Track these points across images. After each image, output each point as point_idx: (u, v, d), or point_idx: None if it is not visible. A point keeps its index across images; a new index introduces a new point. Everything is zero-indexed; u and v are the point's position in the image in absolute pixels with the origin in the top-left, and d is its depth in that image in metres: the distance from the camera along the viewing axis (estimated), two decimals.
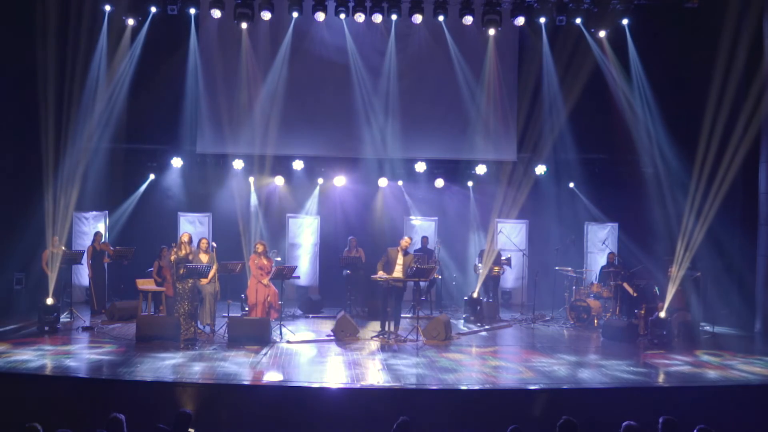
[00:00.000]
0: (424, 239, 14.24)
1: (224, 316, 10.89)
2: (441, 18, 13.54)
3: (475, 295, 12.84)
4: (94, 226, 14.28)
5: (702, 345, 10.89)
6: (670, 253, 12.90)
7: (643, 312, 11.58)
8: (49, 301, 10.90)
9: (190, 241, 10.53)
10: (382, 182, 14.94)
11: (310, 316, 13.08)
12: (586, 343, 11.13)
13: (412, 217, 15.43)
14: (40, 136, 11.77)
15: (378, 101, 14.44)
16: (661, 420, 5.93)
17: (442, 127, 14.59)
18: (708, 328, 11.93)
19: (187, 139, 14.45)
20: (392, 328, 10.90)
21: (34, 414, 6.41)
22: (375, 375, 8.62)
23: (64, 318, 11.51)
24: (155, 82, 14.03)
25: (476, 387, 8.27)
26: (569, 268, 13.16)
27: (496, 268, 13.38)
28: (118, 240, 14.03)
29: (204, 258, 10.76)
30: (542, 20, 13.60)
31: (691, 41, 13.62)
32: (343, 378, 8.42)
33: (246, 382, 8.14)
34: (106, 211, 14.54)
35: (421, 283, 11.61)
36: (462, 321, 12.68)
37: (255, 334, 10.21)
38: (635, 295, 12.28)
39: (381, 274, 10.82)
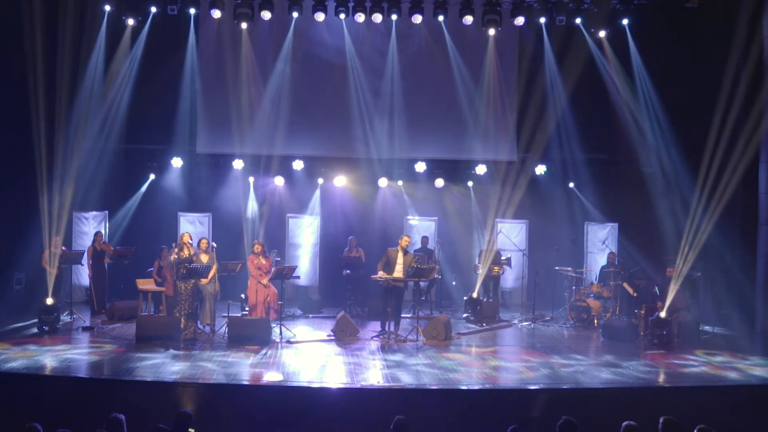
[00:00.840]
0: (424, 239, 14.24)
1: (224, 316, 10.90)
2: (441, 18, 13.53)
3: (474, 295, 12.84)
4: (95, 226, 14.29)
5: (702, 345, 10.89)
6: (669, 254, 12.93)
7: (643, 312, 11.59)
8: (49, 301, 10.90)
9: (191, 240, 10.55)
10: (382, 182, 14.94)
11: (310, 316, 13.08)
12: (586, 343, 11.13)
13: (411, 217, 15.43)
14: (35, 135, 11.74)
15: (378, 101, 14.44)
16: (661, 420, 5.93)
17: (442, 127, 14.59)
18: (708, 328, 11.93)
19: (187, 139, 14.45)
20: (392, 328, 10.90)
21: (34, 414, 6.41)
22: (375, 375, 8.62)
23: (64, 318, 11.50)
24: (155, 82, 14.04)
25: (476, 387, 8.27)
26: (569, 268, 13.16)
27: (496, 268, 13.38)
28: (118, 240, 14.04)
29: (204, 258, 10.77)
30: (542, 20, 13.59)
31: (691, 41, 13.62)
32: (343, 378, 8.42)
33: (246, 382, 8.14)
34: (106, 212, 14.53)
35: (421, 283, 11.61)
36: (462, 321, 12.68)
37: (255, 334, 10.21)
38: (635, 295, 12.28)
39: (381, 274, 10.82)
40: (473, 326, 12.26)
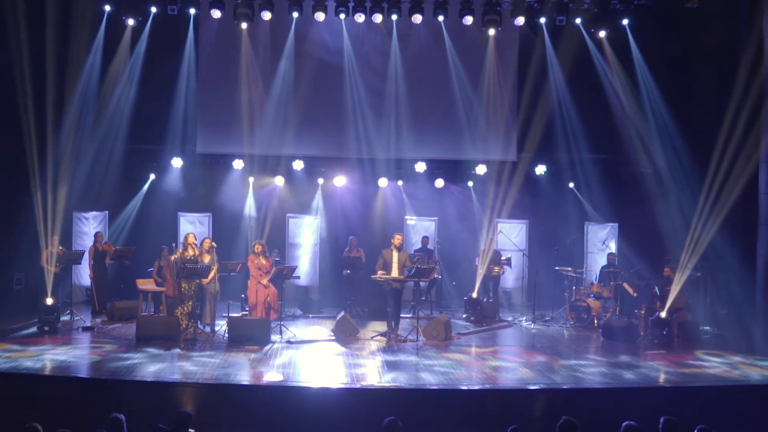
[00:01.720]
0: (424, 239, 14.24)
1: (224, 316, 10.90)
2: (441, 18, 13.53)
3: (474, 295, 12.85)
4: (95, 226, 14.29)
5: (702, 345, 10.89)
6: (668, 254, 12.92)
7: (643, 312, 11.59)
8: (49, 301, 10.90)
9: (195, 241, 10.58)
10: (382, 182, 14.94)
11: (310, 316, 13.09)
12: (586, 343, 11.13)
13: (411, 217, 15.43)
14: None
15: (378, 101, 14.43)
16: (661, 420, 5.94)
17: (442, 127, 14.59)
18: (708, 328, 11.92)
19: (187, 139, 14.44)
20: (393, 328, 10.89)
21: (34, 414, 6.41)
22: (375, 375, 8.62)
23: (64, 318, 11.50)
24: (155, 82, 14.05)
25: (476, 387, 8.27)
26: (569, 268, 13.16)
27: (497, 268, 13.38)
28: (118, 240, 14.04)
29: (206, 258, 10.78)
30: (542, 20, 13.58)
31: (691, 41, 13.62)
32: (343, 378, 8.42)
33: (246, 382, 8.14)
34: (107, 212, 14.54)
35: (421, 283, 11.60)
36: (462, 321, 12.69)
37: (255, 334, 10.21)
38: (635, 295, 12.28)
39: (381, 273, 10.80)
40: (473, 326, 12.26)
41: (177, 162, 14.41)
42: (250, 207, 14.89)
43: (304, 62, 14.22)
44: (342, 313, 11.50)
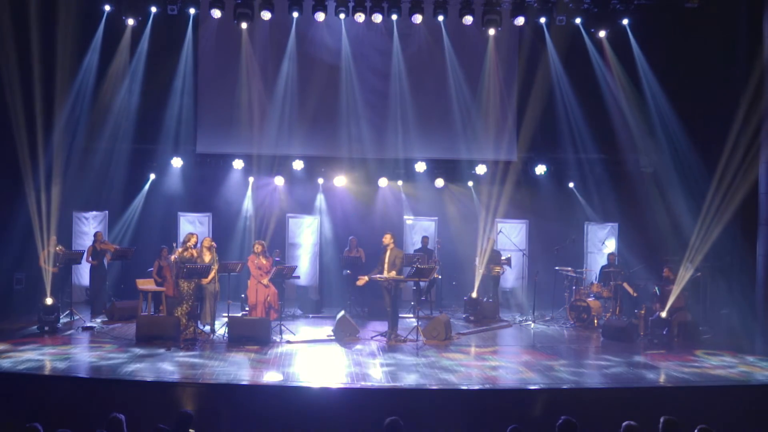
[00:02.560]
0: (424, 239, 14.24)
1: (224, 316, 10.89)
2: (441, 18, 13.52)
3: (474, 295, 12.85)
4: (95, 226, 14.30)
5: (702, 345, 10.89)
6: (667, 254, 12.93)
7: (643, 312, 11.59)
8: (49, 301, 10.89)
9: (197, 244, 10.58)
10: (382, 182, 14.94)
11: (310, 316, 13.09)
12: (586, 343, 11.13)
13: (411, 217, 15.43)
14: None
15: (378, 101, 14.44)
16: (661, 420, 5.94)
17: (442, 126, 14.58)
18: (708, 328, 11.92)
19: (187, 139, 14.44)
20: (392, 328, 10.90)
21: (34, 414, 6.41)
22: (375, 374, 8.62)
23: (64, 318, 11.50)
24: (155, 82, 14.05)
25: (476, 387, 8.27)
26: (569, 268, 13.16)
27: (497, 268, 13.39)
28: (118, 240, 14.03)
29: (206, 257, 10.78)
30: (542, 20, 13.57)
31: (692, 41, 13.62)
32: (343, 378, 8.42)
33: (246, 382, 8.13)
34: (107, 211, 14.54)
35: (421, 283, 11.61)
36: (462, 321, 12.69)
37: (255, 334, 10.21)
38: (635, 295, 12.28)
39: (375, 272, 10.85)
40: (473, 326, 12.26)
41: (177, 162, 14.41)
42: (249, 207, 14.89)
43: (304, 62, 14.22)
44: (342, 313, 11.50)
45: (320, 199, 15.23)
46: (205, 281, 10.62)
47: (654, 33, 13.81)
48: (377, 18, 13.31)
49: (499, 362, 9.55)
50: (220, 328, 10.77)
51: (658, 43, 13.84)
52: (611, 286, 12.51)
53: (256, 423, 7.48)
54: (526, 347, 10.74)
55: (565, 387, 8.34)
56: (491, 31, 13.85)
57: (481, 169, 14.69)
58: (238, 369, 8.65)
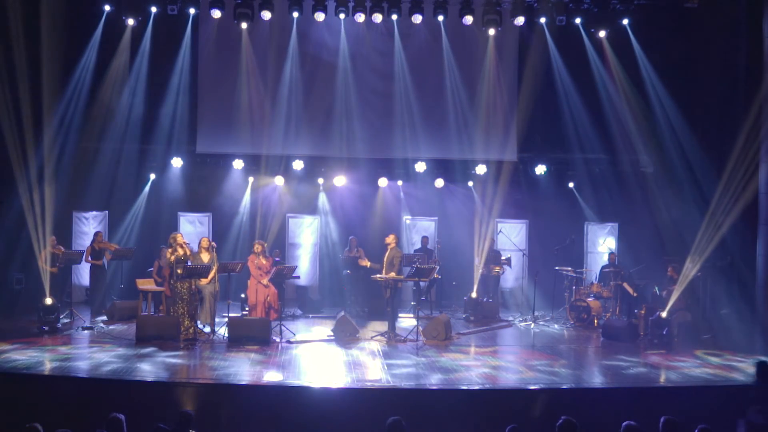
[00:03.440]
0: (424, 239, 14.24)
1: (224, 316, 10.89)
2: (441, 18, 13.52)
3: (473, 295, 12.85)
4: (95, 226, 14.29)
5: (702, 345, 10.89)
6: (668, 254, 12.93)
7: (643, 312, 11.59)
8: (48, 301, 10.89)
9: (184, 239, 10.58)
10: (382, 182, 14.93)
11: (310, 316, 13.09)
12: (586, 343, 11.13)
13: (411, 217, 15.43)
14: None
15: (378, 101, 14.43)
16: (661, 420, 5.94)
17: (442, 127, 14.56)
18: (708, 327, 11.91)
19: (187, 139, 14.44)
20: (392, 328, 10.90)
21: (34, 414, 6.41)
22: (375, 374, 8.62)
23: (64, 318, 11.50)
24: (155, 82, 14.05)
25: (476, 387, 8.27)
26: (569, 268, 13.15)
27: (497, 268, 13.39)
28: (118, 240, 14.03)
29: (205, 257, 10.78)
30: (542, 20, 13.57)
31: (692, 41, 13.63)
32: (343, 378, 8.43)
33: (246, 382, 8.13)
34: (106, 211, 14.54)
35: (421, 283, 11.62)
36: (462, 321, 12.69)
37: (255, 334, 10.21)
38: (635, 295, 12.28)
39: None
40: (473, 326, 12.26)
41: (177, 162, 14.40)
42: (249, 207, 14.88)
43: (304, 62, 14.21)
44: (342, 313, 11.51)
45: (320, 199, 15.22)
46: (204, 281, 10.61)
47: (654, 33, 13.81)
48: (377, 18, 13.30)
49: (499, 362, 9.56)
50: (220, 328, 10.76)
51: (658, 43, 13.85)
52: (611, 286, 12.51)
53: (256, 423, 7.48)
54: (526, 347, 10.74)
55: (565, 387, 8.34)
56: (491, 31, 13.84)
57: (481, 169, 14.68)
58: (238, 369, 8.65)
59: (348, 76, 14.23)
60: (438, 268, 12.86)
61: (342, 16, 13.36)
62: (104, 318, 12.01)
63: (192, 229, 14.54)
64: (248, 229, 14.63)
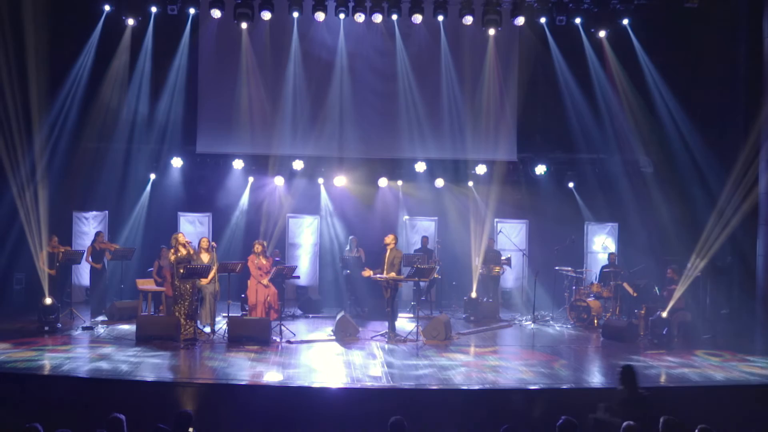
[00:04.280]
0: (424, 239, 14.24)
1: (224, 316, 10.89)
2: (441, 18, 13.52)
3: (473, 295, 12.85)
4: (95, 226, 14.29)
5: (702, 345, 10.89)
6: (669, 254, 12.93)
7: (643, 312, 11.59)
8: (48, 301, 10.89)
9: (186, 239, 10.57)
10: (382, 182, 14.93)
11: (310, 316, 13.09)
12: (586, 343, 11.13)
13: (411, 217, 15.43)
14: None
15: (378, 101, 14.43)
16: (661, 420, 5.93)
17: (442, 126, 14.57)
18: (708, 327, 11.91)
19: (187, 139, 14.44)
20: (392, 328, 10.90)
21: (34, 414, 6.41)
22: (375, 374, 8.62)
23: (64, 318, 11.50)
24: (155, 82, 14.05)
25: (476, 387, 8.27)
26: (569, 268, 13.15)
27: (497, 268, 13.39)
28: (118, 240, 14.02)
29: (205, 257, 10.78)
30: (543, 20, 13.57)
31: (693, 41, 13.63)
32: (343, 378, 8.42)
33: (246, 382, 8.13)
34: (106, 211, 14.54)
35: (421, 283, 11.62)
36: (462, 321, 12.69)
37: (255, 334, 10.21)
38: (635, 295, 12.28)
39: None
40: (473, 326, 12.26)
41: (177, 162, 14.40)
42: (249, 207, 14.88)
43: (303, 62, 14.22)
44: (342, 313, 11.51)
45: (320, 199, 15.23)
46: (204, 281, 10.61)
47: (654, 33, 13.82)
48: (377, 18, 13.31)
49: (499, 362, 9.55)
50: (220, 328, 10.76)
51: (658, 43, 13.85)
52: (611, 286, 12.50)
53: (256, 423, 7.48)
54: (526, 347, 10.74)
55: (565, 387, 8.34)
56: (491, 31, 13.85)
57: (481, 169, 14.69)
58: (238, 369, 8.65)
59: (348, 76, 14.24)
60: (438, 268, 12.87)
61: (342, 16, 13.37)
62: (104, 318, 12.00)
63: (192, 229, 14.54)
64: (248, 229, 14.62)
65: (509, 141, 14.69)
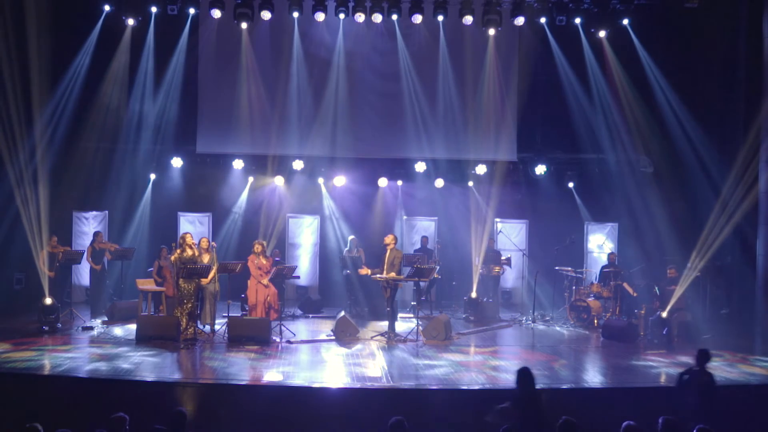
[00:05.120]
0: (424, 239, 14.24)
1: (224, 316, 10.89)
2: (441, 18, 13.51)
3: (473, 295, 12.84)
4: (95, 226, 14.29)
5: (702, 345, 10.85)
6: (668, 254, 12.92)
7: (643, 312, 11.59)
8: (48, 301, 10.89)
9: (193, 240, 10.57)
10: (382, 182, 14.93)
11: (310, 316, 13.09)
12: (586, 343, 11.13)
13: (411, 217, 15.42)
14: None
15: (378, 101, 14.43)
16: (661, 420, 5.93)
17: (442, 126, 14.56)
18: (708, 327, 11.91)
19: (187, 139, 14.44)
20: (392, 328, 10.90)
21: (34, 414, 6.40)
22: (375, 374, 8.62)
23: (64, 318, 11.49)
24: (155, 82, 14.04)
25: (476, 387, 8.27)
26: (569, 268, 13.16)
27: (497, 268, 13.39)
28: (118, 240, 14.02)
29: (205, 257, 10.78)
30: (543, 20, 13.57)
31: (693, 41, 13.63)
32: (343, 378, 8.42)
33: (246, 382, 8.14)
34: (106, 211, 14.54)
35: (421, 283, 11.62)
36: (462, 321, 12.69)
37: (255, 334, 10.21)
38: (635, 295, 12.29)
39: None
40: (473, 326, 12.26)
41: (177, 162, 14.40)
42: (249, 207, 14.88)
43: (303, 62, 14.22)
44: (342, 313, 11.51)
45: (320, 199, 15.22)
46: (204, 281, 10.61)
47: (654, 33, 13.82)
48: (377, 18, 13.31)
49: (499, 362, 9.55)
50: (220, 328, 10.76)
51: (658, 43, 13.85)
52: (611, 286, 12.50)
53: (256, 423, 7.48)
54: (526, 347, 10.74)
55: (565, 387, 8.34)
56: (491, 31, 13.85)
57: (481, 169, 14.69)
58: (238, 369, 8.65)
59: (348, 75, 14.24)
60: (438, 268, 12.87)
61: (342, 16, 13.36)
62: (104, 318, 12.00)
63: (192, 229, 14.49)
64: (248, 229, 14.62)
65: (509, 141, 14.68)
